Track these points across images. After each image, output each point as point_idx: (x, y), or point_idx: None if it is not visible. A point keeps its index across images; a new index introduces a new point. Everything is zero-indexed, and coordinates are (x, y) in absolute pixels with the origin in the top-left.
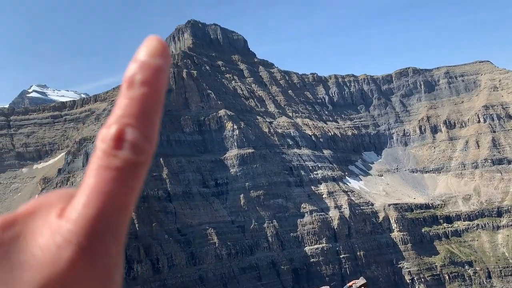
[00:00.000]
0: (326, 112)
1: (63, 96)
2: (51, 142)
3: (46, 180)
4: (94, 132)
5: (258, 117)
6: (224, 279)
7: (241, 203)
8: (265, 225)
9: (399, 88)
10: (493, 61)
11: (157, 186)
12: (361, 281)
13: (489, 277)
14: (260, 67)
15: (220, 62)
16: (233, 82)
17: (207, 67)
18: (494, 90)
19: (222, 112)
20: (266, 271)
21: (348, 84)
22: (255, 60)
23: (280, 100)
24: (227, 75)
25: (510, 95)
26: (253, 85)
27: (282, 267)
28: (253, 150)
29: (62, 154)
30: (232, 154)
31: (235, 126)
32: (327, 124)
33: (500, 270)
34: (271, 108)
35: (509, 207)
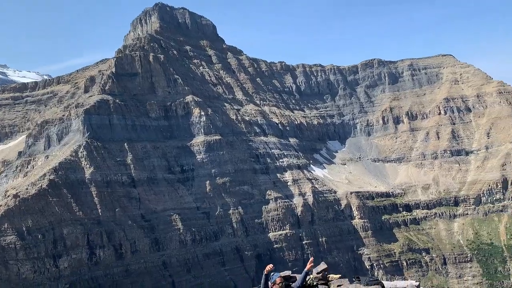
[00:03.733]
0: (293, 101)
1: (24, 77)
2: (11, 124)
3: (5, 163)
4: (57, 114)
5: (225, 104)
6: (188, 264)
7: (207, 189)
8: (230, 211)
9: (364, 79)
10: (455, 55)
11: (121, 171)
12: (322, 266)
13: (445, 263)
14: (229, 53)
15: (188, 47)
16: (201, 68)
17: (175, 52)
18: (455, 83)
19: (189, 98)
20: (230, 256)
21: (315, 74)
22: (224, 46)
23: (248, 88)
24: (195, 61)
25: (470, 88)
26: (221, 72)
27: (246, 252)
28: (220, 137)
29: (23, 136)
30: (198, 140)
31: (202, 113)
32: (293, 112)
33: (455, 257)
34: (239, 95)
35: (466, 197)
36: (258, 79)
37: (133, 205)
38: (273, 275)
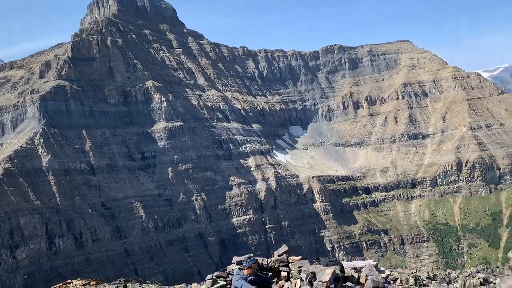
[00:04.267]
0: (256, 87)
1: None
2: None
3: None
4: (11, 101)
5: (187, 89)
6: (151, 252)
7: (169, 176)
8: (193, 198)
9: (325, 65)
10: (413, 41)
11: (79, 159)
12: (283, 248)
13: (403, 243)
14: (190, 38)
15: (147, 31)
16: (161, 52)
17: (133, 36)
18: (412, 69)
19: (149, 83)
20: (193, 243)
21: (277, 59)
22: (184, 30)
23: (210, 73)
24: (155, 45)
25: (426, 73)
26: (182, 57)
27: (210, 238)
28: (181, 123)
29: None
30: (159, 126)
31: (163, 98)
32: (256, 98)
33: (412, 237)
34: (201, 80)
35: (422, 179)
36: (220, 64)
37: (93, 193)
38: (248, 260)
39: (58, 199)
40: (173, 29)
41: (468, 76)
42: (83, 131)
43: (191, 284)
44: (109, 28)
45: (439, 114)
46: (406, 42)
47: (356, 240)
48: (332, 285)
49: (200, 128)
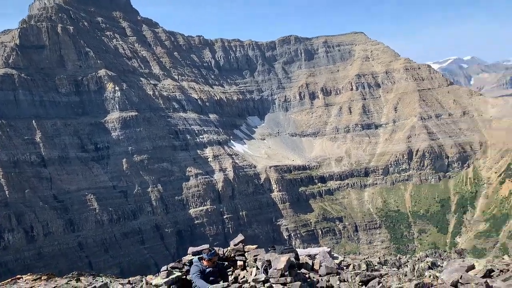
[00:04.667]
0: (213, 76)
1: None
2: None
3: None
4: None
5: (141, 78)
6: (105, 244)
7: (124, 167)
8: (149, 189)
9: (282, 55)
10: (366, 33)
11: (29, 150)
12: (239, 238)
13: (356, 230)
14: (144, 26)
15: (99, 19)
16: (114, 40)
17: (85, 23)
18: (366, 60)
19: (102, 72)
20: (149, 234)
21: (234, 49)
22: (138, 18)
23: (165, 62)
24: (108, 33)
25: (379, 65)
26: (136, 45)
27: (166, 230)
28: (136, 113)
29: None
30: (113, 117)
31: (117, 88)
32: (213, 88)
33: (366, 224)
34: (156, 69)
35: (375, 168)
36: (175, 53)
37: (44, 186)
38: (209, 252)
39: (7, 192)
40: (127, 16)
41: (419, 68)
42: (33, 121)
43: (146, 276)
44: (60, 14)
45: (391, 105)
46: (360, 34)
47: (312, 228)
48: (287, 273)
49: (155, 118)
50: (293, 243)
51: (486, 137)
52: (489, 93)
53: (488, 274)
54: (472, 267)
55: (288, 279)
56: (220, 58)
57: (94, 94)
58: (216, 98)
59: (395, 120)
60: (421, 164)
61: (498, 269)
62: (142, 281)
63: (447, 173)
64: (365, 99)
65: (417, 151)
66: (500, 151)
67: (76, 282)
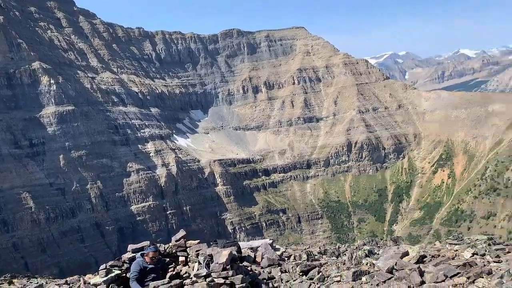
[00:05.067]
0: (153, 69)
1: None
2: None
3: None
4: None
5: (78, 71)
6: (43, 244)
7: (61, 164)
8: (88, 186)
9: (225, 49)
10: (307, 28)
11: None
12: (181, 233)
13: (299, 221)
14: (81, 17)
15: (32, 9)
16: (48, 32)
17: (17, 13)
18: (307, 55)
19: (36, 64)
20: (89, 232)
21: (176, 42)
22: (75, 9)
23: (104, 54)
24: (42, 24)
25: (320, 60)
26: (72, 37)
27: (107, 227)
28: (73, 107)
29: None
30: (49, 111)
31: (52, 81)
32: (154, 81)
33: (308, 215)
34: (94, 62)
35: (317, 160)
36: (114, 45)
37: None
38: (148, 248)
39: None
40: (62, 7)
41: (357, 63)
42: None
43: (85, 275)
44: None
45: (331, 99)
46: (301, 29)
47: (256, 221)
48: (229, 266)
49: (93, 112)
50: (238, 236)
51: (420, 129)
52: (422, 87)
53: (421, 259)
54: (406, 254)
55: (230, 272)
56: (161, 50)
57: (27, 87)
58: (157, 91)
59: (335, 113)
60: (360, 156)
61: (430, 254)
62: (80, 280)
63: (384, 164)
64: (306, 93)
65: (356, 143)
66: (433, 142)
67: (9, 285)
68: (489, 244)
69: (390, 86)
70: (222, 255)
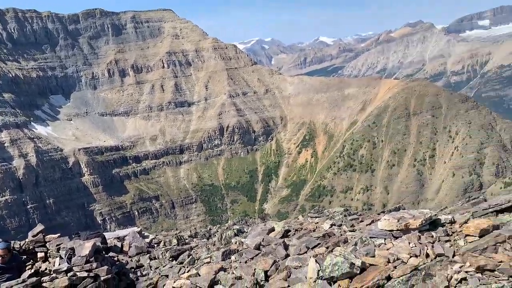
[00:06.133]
0: (5, 51)
1: None
2: None
3: None
4: None
5: None
6: None
7: None
8: None
9: (87, 30)
10: (175, 10)
11: None
12: (38, 228)
13: (173, 207)
14: None
15: None
16: None
17: None
18: (176, 38)
19: None
20: None
21: (30, 21)
22: None
23: None
24: None
25: (189, 43)
26: None
27: None
28: None
29: None
30: None
31: None
32: (6, 64)
33: (182, 200)
34: None
35: (190, 145)
36: None
37: None
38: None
39: None
40: None
41: (226, 48)
42: None
43: None
44: None
45: (202, 83)
46: (168, 11)
47: (128, 210)
48: (92, 258)
49: None
50: (108, 227)
51: (286, 112)
52: (287, 72)
53: (286, 234)
54: (272, 230)
55: (94, 265)
56: (14, 30)
57: None
58: (10, 75)
59: (206, 98)
60: (232, 139)
61: (294, 228)
62: None
63: (254, 146)
64: (177, 77)
65: (228, 127)
66: (297, 124)
67: None
68: (345, 215)
69: (258, 71)
70: (85, 247)
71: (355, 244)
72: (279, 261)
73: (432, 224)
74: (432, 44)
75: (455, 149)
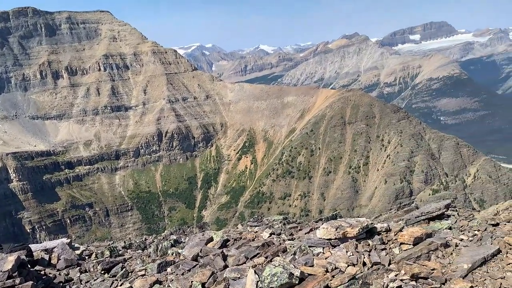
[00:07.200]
0: None
1: None
2: None
3: None
4: None
5: None
6: None
7: None
8: None
9: (18, 28)
10: (113, 12)
11: None
12: None
13: (108, 215)
14: None
15: None
16: None
17: None
18: (113, 41)
19: None
20: None
21: None
22: None
23: None
24: None
25: (127, 46)
26: None
27: None
28: None
29: None
30: None
31: None
32: None
33: (117, 208)
34: None
35: (126, 150)
36: None
37: None
38: None
39: None
40: None
41: (166, 52)
42: None
43: None
44: None
45: (140, 87)
46: (106, 13)
47: (60, 218)
48: (16, 273)
49: None
50: (38, 236)
51: (226, 119)
52: (228, 79)
53: (224, 244)
54: (210, 240)
55: (17, 280)
56: None
57: None
58: None
59: (145, 102)
60: (170, 145)
61: (233, 238)
62: None
63: (194, 153)
64: (113, 80)
65: (167, 132)
66: (237, 131)
67: None
68: (284, 224)
69: (199, 77)
70: (8, 261)
71: (294, 254)
72: (217, 272)
73: (369, 232)
74: (367, 56)
75: (387, 157)
